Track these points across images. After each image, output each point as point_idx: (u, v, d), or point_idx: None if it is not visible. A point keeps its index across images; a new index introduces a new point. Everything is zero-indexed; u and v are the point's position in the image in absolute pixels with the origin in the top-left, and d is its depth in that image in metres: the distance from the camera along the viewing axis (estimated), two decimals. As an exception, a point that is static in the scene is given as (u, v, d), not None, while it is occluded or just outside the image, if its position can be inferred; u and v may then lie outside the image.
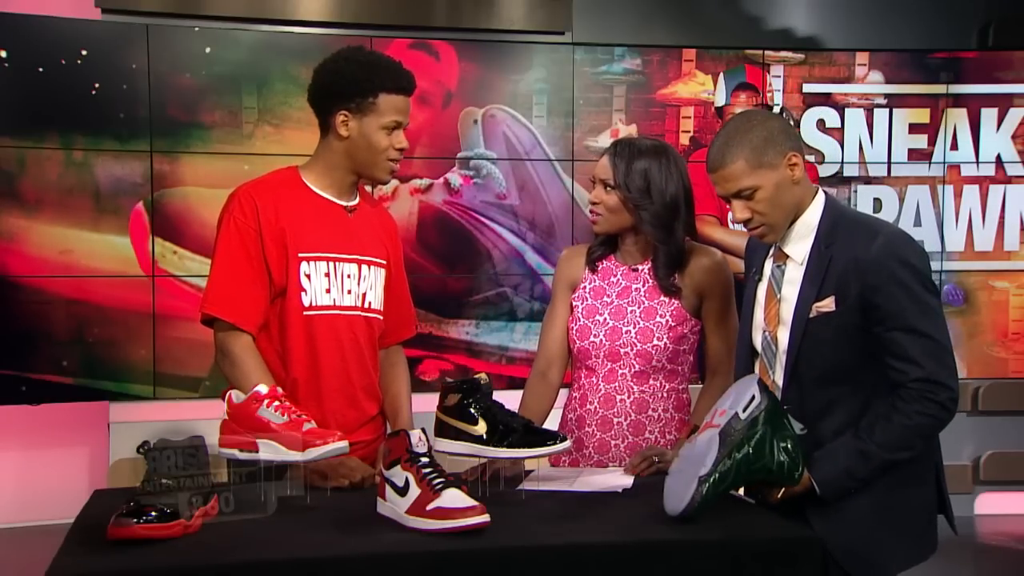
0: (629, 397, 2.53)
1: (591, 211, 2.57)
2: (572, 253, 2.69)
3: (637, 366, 2.53)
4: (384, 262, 2.51)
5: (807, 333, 2.14)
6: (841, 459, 2.09)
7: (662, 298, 2.53)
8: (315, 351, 2.40)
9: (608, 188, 2.52)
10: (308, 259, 2.39)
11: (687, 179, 2.55)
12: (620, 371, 2.54)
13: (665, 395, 2.54)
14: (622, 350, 2.53)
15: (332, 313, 2.41)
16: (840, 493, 2.10)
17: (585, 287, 2.61)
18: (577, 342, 2.58)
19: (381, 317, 2.50)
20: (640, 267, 2.58)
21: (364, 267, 2.45)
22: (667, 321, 2.52)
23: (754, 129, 2.15)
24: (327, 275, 2.40)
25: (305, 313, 2.38)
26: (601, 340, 2.54)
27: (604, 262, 2.62)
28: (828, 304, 2.12)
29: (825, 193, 2.23)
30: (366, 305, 2.46)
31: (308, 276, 2.38)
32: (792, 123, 2.23)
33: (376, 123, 2.38)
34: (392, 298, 2.55)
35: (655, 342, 2.51)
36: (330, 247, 2.41)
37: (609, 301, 2.57)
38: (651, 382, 2.53)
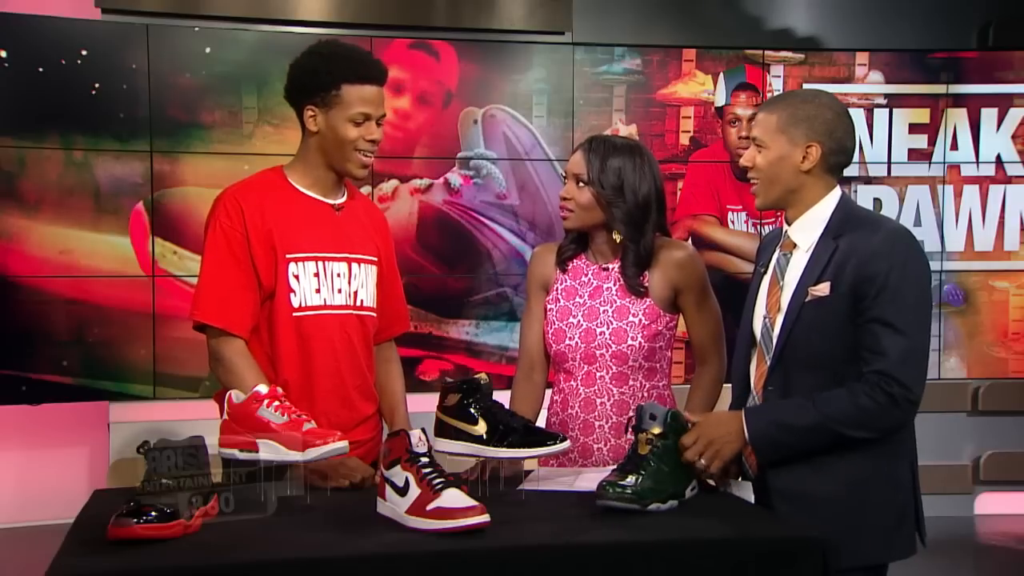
0: (609, 400, 2.53)
1: (561, 206, 2.56)
2: (543, 251, 2.68)
3: (614, 367, 2.52)
4: (375, 259, 2.49)
5: (800, 317, 2.16)
6: (777, 407, 2.15)
7: (634, 296, 2.53)
8: (306, 352, 2.38)
9: (580, 184, 2.51)
10: (296, 260, 2.37)
11: (660, 179, 2.54)
12: (598, 373, 2.53)
13: (645, 395, 2.53)
14: (597, 352, 2.52)
15: (323, 313, 2.39)
16: (768, 441, 2.13)
17: (557, 288, 2.60)
18: (553, 345, 2.57)
19: (375, 314, 2.49)
20: (610, 266, 2.56)
21: (355, 265, 2.44)
22: (640, 320, 2.51)
23: (808, 103, 2.22)
24: (316, 275, 2.39)
25: (295, 314, 2.37)
26: (576, 343, 2.54)
27: (575, 261, 2.61)
28: (823, 288, 2.14)
29: (842, 191, 2.24)
30: (358, 303, 2.44)
31: (297, 277, 2.37)
32: None
33: (342, 115, 2.35)
34: (384, 294, 2.54)
35: (630, 342, 2.50)
36: (319, 247, 2.40)
37: (582, 302, 2.56)
38: (630, 383, 2.53)
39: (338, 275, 2.42)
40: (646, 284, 2.52)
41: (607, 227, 2.53)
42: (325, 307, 2.40)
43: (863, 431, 2.10)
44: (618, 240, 2.52)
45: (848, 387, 2.09)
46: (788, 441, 2.12)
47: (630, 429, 2.16)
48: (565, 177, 2.55)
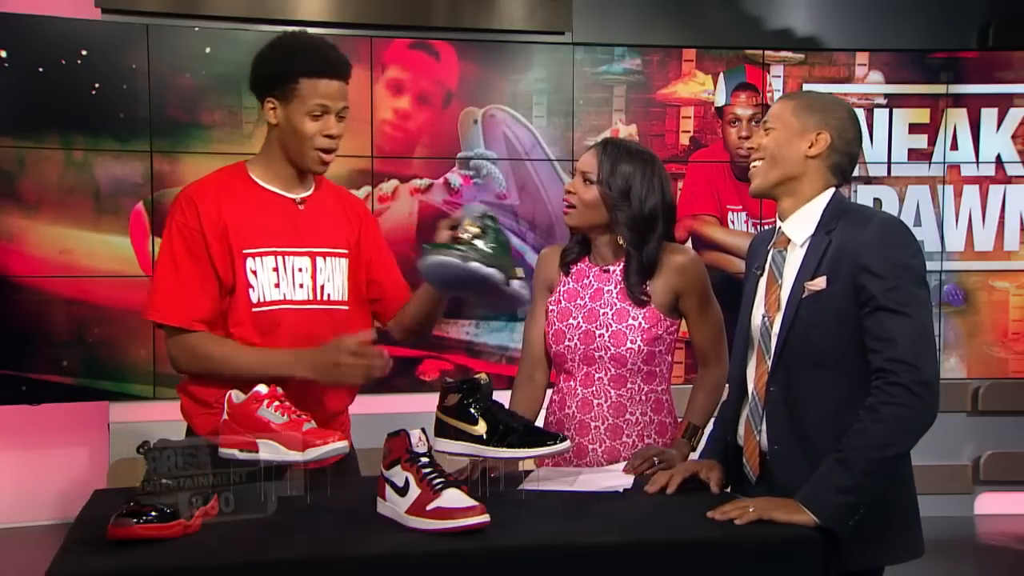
0: (606, 401, 2.52)
1: (564, 200, 2.56)
2: (548, 253, 2.69)
3: (612, 369, 2.52)
4: (345, 251, 2.45)
5: (798, 314, 2.15)
6: (821, 475, 2.03)
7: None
8: (267, 347, 2.34)
9: (588, 182, 2.50)
10: (254, 255, 2.34)
11: (669, 194, 2.53)
12: (596, 375, 2.53)
13: (643, 398, 2.53)
14: (596, 354, 2.52)
15: (283, 308, 2.36)
16: (837, 512, 1.99)
17: (560, 290, 2.60)
18: (553, 346, 2.57)
19: (347, 307, 2.44)
20: (612, 268, 2.56)
21: (319, 259, 2.40)
22: (640, 324, 2.50)
23: (826, 99, 2.27)
24: (275, 270, 2.35)
25: (254, 310, 2.34)
26: (575, 344, 2.53)
27: (578, 263, 2.61)
28: (819, 283, 2.13)
29: (836, 190, 2.25)
30: (324, 298, 2.40)
31: (254, 272, 2.34)
32: None
33: (300, 109, 2.33)
34: (382, 276, 2.52)
35: (629, 345, 2.50)
36: (277, 242, 2.36)
37: (582, 304, 2.56)
38: (628, 385, 2.52)
39: (299, 270, 2.38)
40: (648, 293, 2.51)
41: (610, 229, 2.53)
42: (285, 301, 2.36)
43: (908, 437, 2.04)
44: (621, 244, 2.52)
45: (862, 413, 2.04)
46: (856, 500, 2.01)
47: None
48: (572, 174, 2.55)
